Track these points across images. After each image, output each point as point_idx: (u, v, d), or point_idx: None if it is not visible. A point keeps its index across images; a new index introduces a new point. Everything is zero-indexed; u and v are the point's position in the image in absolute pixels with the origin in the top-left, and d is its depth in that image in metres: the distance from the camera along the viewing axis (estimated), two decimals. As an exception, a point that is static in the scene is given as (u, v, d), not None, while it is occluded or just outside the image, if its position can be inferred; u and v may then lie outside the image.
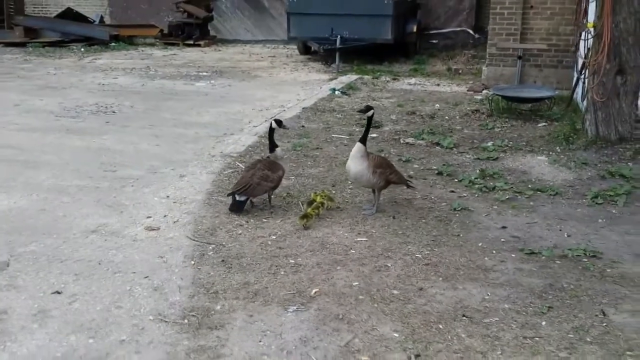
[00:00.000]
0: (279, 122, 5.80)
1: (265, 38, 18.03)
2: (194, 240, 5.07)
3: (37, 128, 8.83)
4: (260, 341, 3.69)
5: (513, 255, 4.86)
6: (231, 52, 16.54)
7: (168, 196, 6.10)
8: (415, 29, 14.65)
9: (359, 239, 5.10)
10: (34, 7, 19.65)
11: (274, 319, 3.91)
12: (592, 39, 7.68)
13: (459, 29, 16.47)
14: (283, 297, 4.17)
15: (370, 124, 5.69)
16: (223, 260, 4.65)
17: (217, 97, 11.00)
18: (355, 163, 5.52)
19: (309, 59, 15.01)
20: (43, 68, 14.04)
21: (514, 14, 11.33)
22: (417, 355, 3.54)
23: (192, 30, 17.15)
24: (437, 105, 10.29)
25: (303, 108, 9.95)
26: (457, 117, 9.52)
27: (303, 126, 8.93)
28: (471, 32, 16.12)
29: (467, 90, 11.48)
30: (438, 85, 12.17)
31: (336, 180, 6.58)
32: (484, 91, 11.08)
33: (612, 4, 7.22)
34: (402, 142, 8.06)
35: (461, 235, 5.21)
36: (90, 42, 17.10)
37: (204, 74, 13.27)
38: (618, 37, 7.33)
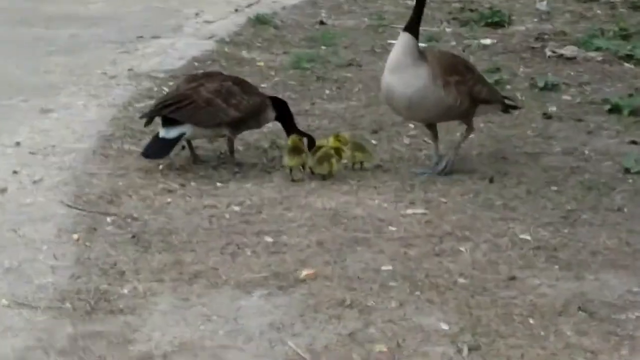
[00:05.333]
0: None
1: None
2: (75, 208, 4.00)
3: None
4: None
5: None
6: None
7: (18, 143, 4.68)
8: None
9: (410, 212, 3.97)
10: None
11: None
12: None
13: None
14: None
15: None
16: (134, 237, 3.84)
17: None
18: (404, 73, 3.96)
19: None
20: None
21: None
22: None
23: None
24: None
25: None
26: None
27: (322, 22, 6.74)
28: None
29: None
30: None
31: (382, 122, 4.92)
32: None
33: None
34: (548, 53, 6.10)
35: (626, 210, 4.14)
36: None
37: None
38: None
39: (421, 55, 3.89)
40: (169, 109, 3.91)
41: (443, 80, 3.85)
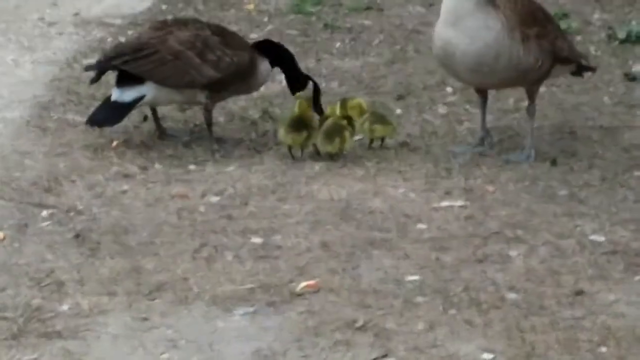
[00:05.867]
0: None
1: None
2: (0, 198, 3.75)
3: None
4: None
5: None
6: None
7: None
8: None
9: (445, 205, 3.70)
10: None
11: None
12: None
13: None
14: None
15: None
16: (78, 236, 3.51)
17: None
18: (468, 23, 3.52)
19: None
20: None
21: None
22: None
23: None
24: None
25: None
26: None
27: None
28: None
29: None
30: None
31: (410, 85, 4.54)
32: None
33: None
34: None
35: None
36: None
37: None
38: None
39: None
40: (123, 60, 3.44)
41: (521, 33, 3.35)
